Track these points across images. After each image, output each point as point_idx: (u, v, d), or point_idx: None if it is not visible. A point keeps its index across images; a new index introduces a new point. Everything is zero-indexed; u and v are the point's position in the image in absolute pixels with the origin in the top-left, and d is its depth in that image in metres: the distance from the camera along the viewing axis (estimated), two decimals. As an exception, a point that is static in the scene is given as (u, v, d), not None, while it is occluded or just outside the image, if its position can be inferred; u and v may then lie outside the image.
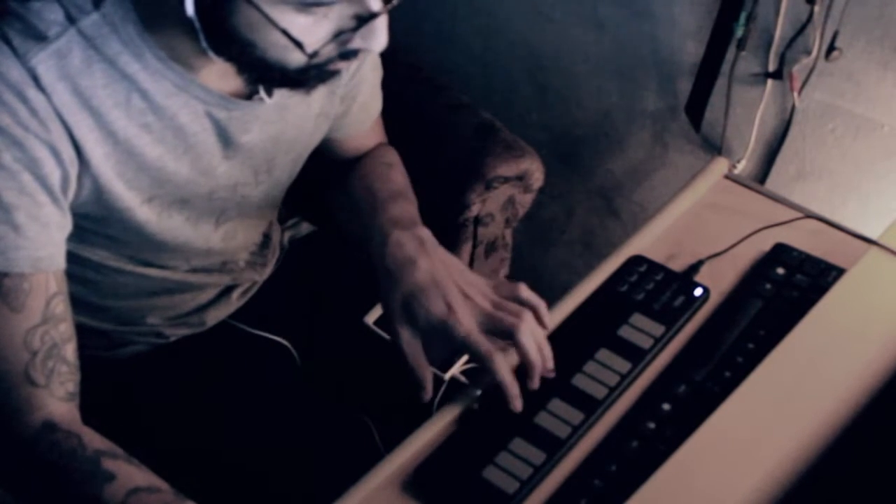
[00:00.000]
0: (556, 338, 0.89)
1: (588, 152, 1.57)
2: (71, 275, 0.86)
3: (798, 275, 0.96)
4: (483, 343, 0.84)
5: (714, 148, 1.37)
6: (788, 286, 0.95)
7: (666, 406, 0.85)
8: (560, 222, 1.70)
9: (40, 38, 0.78)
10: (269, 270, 1.17)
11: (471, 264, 1.33)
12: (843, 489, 0.76)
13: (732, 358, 0.89)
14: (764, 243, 1.01)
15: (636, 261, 0.99)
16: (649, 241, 1.03)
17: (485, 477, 0.80)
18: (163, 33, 0.81)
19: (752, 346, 0.90)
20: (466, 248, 1.31)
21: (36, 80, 0.78)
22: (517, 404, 0.84)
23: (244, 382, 1.08)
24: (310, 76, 0.81)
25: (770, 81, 1.24)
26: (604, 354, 0.90)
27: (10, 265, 0.80)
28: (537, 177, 1.28)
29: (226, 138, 0.91)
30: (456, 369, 0.98)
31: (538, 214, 1.64)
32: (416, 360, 0.88)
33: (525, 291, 0.89)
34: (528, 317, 0.86)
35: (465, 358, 0.98)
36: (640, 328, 0.92)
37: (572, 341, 0.91)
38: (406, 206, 0.99)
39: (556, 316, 0.94)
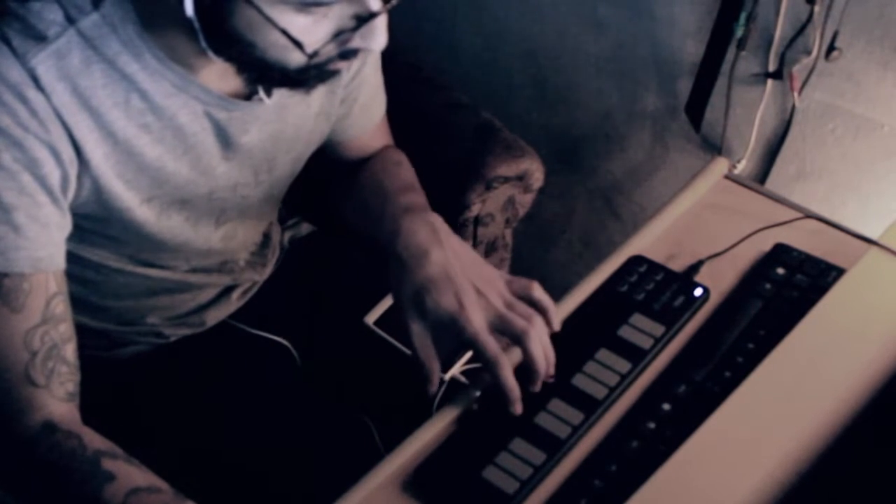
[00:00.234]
0: (556, 337, 0.89)
1: (588, 152, 1.57)
2: (71, 275, 0.86)
3: (798, 275, 0.96)
4: (491, 345, 0.84)
5: (714, 148, 1.37)
6: (788, 286, 0.95)
7: (666, 406, 0.85)
8: (560, 222, 1.70)
9: (40, 38, 0.78)
10: (269, 270, 1.17)
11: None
12: (843, 489, 0.76)
13: (732, 358, 0.89)
14: (764, 243, 1.01)
15: (636, 261, 0.99)
16: (649, 242, 1.03)
17: (485, 477, 0.80)
18: (162, 33, 0.81)
19: (752, 346, 0.90)
20: (466, 248, 1.31)
21: (35, 80, 0.78)
22: (518, 408, 0.84)
23: (244, 382, 1.08)
24: (310, 76, 0.81)
25: (770, 81, 1.24)
26: (604, 354, 0.90)
27: (9, 265, 0.80)
28: (537, 177, 1.28)
29: (225, 139, 0.91)
30: (456, 369, 0.98)
31: (538, 214, 1.64)
32: (424, 353, 0.88)
33: (538, 291, 0.89)
34: (538, 322, 0.86)
35: (465, 358, 0.98)
36: (640, 328, 0.92)
37: (572, 341, 0.91)
38: (416, 197, 0.99)
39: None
